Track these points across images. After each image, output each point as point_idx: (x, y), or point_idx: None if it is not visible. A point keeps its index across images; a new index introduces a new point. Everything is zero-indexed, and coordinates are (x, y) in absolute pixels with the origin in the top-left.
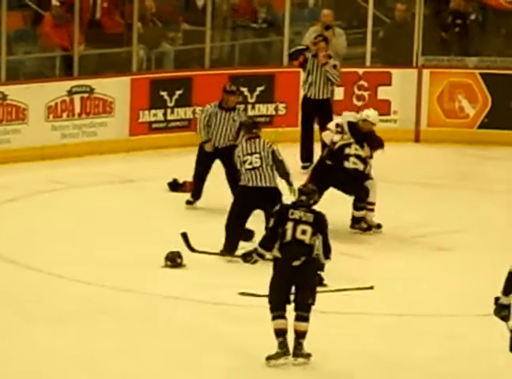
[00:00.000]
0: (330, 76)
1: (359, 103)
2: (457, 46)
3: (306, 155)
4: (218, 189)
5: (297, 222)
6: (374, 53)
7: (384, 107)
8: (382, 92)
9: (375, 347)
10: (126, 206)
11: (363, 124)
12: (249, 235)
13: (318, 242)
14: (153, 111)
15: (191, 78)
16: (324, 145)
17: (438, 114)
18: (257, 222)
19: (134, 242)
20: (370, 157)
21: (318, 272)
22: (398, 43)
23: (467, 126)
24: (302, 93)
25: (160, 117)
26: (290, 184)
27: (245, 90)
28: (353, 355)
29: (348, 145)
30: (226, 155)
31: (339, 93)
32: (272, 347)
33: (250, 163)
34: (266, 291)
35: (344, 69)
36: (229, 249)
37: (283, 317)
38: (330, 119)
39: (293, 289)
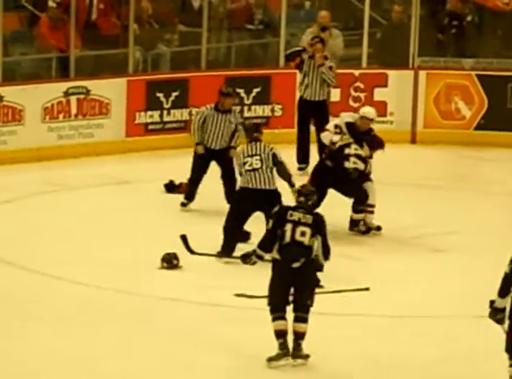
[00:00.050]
0: (326, 77)
1: (356, 105)
2: (453, 47)
3: (302, 156)
4: (213, 190)
5: (296, 223)
6: (370, 54)
7: (380, 109)
8: (379, 94)
9: (373, 348)
10: (122, 207)
11: (361, 122)
12: (245, 236)
13: (317, 244)
14: (149, 113)
15: (187, 80)
16: (321, 146)
17: (435, 116)
18: (257, 223)
19: (131, 243)
20: (370, 157)
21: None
22: (395, 45)
23: (463, 128)
24: (298, 94)
25: (157, 118)
26: (292, 185)
27: (241, 91)
28: (351, 357)
29: (348, 145)
30: (222, 157)
31: (335, 94)
32: (270, 348)
33: (250, 165)
34: (263, 293)
35: (340, 71)
36: (227, 251)
37: (283, 318)
38: (326, 121)
39: (291, 290)
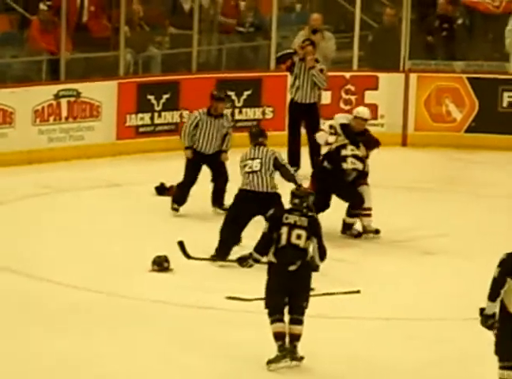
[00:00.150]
0: (317, 80)
1: (347, 107)
2: (444, 50)
3: (293, 159)
4: (204, 193)
5: (292, 226)
6: (361, 57)
7: (371, 111)
8: (369, 96)
9: (365, 350)
10: (113, 210)
11: (356, 122)
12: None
13: (313, 246)
14: (140, 115)
15: (178, 82)
16: (312, 149)
17: (425, 118)
18: (259, 228)
19: (121, 246)
20: (367, 157)
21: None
22: (386, 48)
23: (454, 130)
24: (289, 97)
25: (147, 121)
26: (299, 185)
27: (232, 94)
28: (343, 359)
29: (344, 146)
30: (213, 160)
31: (326, 97)
32: (263, 350)
33: (250, 167)
34: (255, 296)
35: (331, 73)
36: (221, 254)
37: (281, 320)
38: (317, 123)
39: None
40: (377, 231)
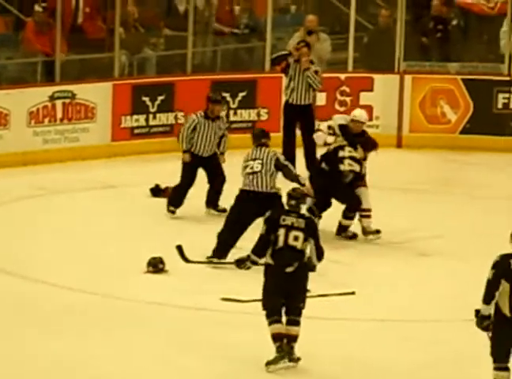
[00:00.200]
0: (311, 81)
1: (342, 109)
2: (438, 51)
3: (287, 160)
4: (199, 196)
5: (289, 228)
6: (356, 58)
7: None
8: (364, 98)
9: (360, 352)
10: (108, 212)
11: (353, 125)
12: None
13: (310, 247)
14: (135, 117)
15: (173, 84)
16: (307, 151)
17: (420, 120)
18: (257, 229)
19: (116, 247)
20: (365, 159)
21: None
22: (381, 49)
23: (449, 132)
24: (284, 99)
25: (142, 122)
26: (302, 185)
27: (227, 95)
28: (338, 360)
29: (342, 148)
30: (209, 163)
31: (321, 98)
32: (261, 352)
33: (251, 168)
34: (250, 297)
35: (326, 75)
36: (219, 254)
37: (279, 321)
38: (312, 125)
39: None
40: (377, 231)
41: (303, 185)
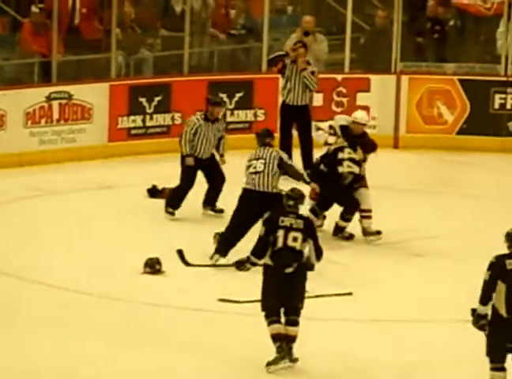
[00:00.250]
0: (308, 82)
1: (338, 110)
2: (435, 52)
3: None
4: (195, 196)
5: (288, 229)
6: (353, 59)
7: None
8: (361, 98)
9: (356, 352)
10: (104, 212)
11: (354, 126)
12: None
13: (309, 247)
14: (132, 117)
15: (170, 84)
16: (304, 151)
17: (417, 121)
18: (255, 230)
19: (113, 248)
20: (364, 160)
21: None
22: (378, 50)
23: (445, 132)
24: (280, 99)
25: (139, 123)
26: (307, 182)
27: (224, 96)
28: (334, 361)
29: (341, 149)
30: (208, 164)
31: (318, 99)
32: (257, 352)
33: (254, 167)
34: (246, 298)
35: (322, 76)
36: (221, 251)
37: (278, 321)
38: (309, 125)
39: None
40: (378, 233)
41: (309, 183)
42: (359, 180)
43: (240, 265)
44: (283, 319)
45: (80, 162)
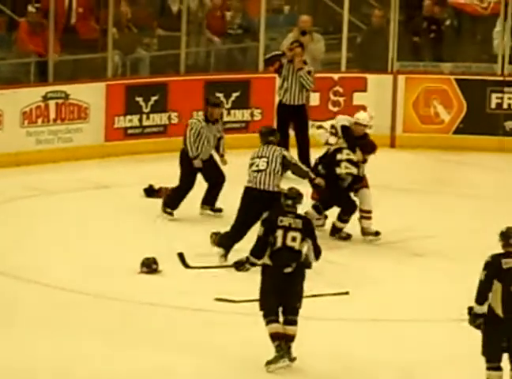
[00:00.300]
0: (304, 82)
1: (335, 109)
2: (432, 51)
3: None
4: (192, 196)
5: (287, 229)
6: (350, 58)
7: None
8: (358, 98)
9: (354, 352)
10: (101, 212)
11: (356, 127)
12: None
13: (307, 246)
14: (129, 117)
15: (166, 84)
16: (300, 151)
17: (414, 120)
18: (253, 230)
19: (110, 247)
20: (364, 161)
21: None
22: (375, 49)
23: (442, 132)
24: (277, 99)
25: (136, 123)
26: (313, 179)
27: (220, 96)
28: (331, 360)
29: (340, 150)
30: (208, 166)
31: (315, 99)
32: (255, 352)
33: (257, 166)
34: (243, 297)
35: (319, 75)
36: (225, 246)
37: (277, 321)
38: (306, 125)
39: None
40: (377, 233)
41: (314, 179)
42: (359, 181)
43: (239, 266)
44: (281, 318)
45: (77, 161)
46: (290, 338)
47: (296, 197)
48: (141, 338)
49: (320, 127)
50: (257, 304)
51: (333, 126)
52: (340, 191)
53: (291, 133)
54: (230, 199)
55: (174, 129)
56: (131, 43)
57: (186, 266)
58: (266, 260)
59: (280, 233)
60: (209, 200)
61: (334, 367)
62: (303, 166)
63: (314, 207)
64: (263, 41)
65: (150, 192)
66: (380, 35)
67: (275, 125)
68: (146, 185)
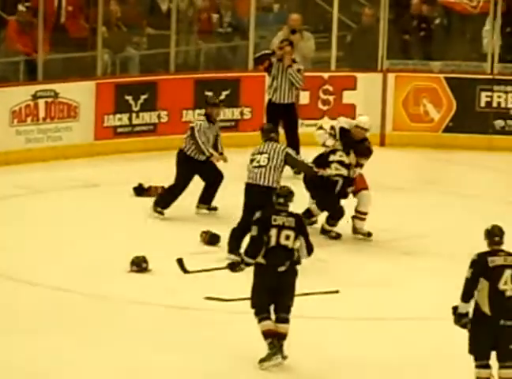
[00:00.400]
0: (294, 80)
1: (325, 108)
2: (421, 50)
3: None
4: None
5: (281, 228)
6: (340, 57)
7: (349, 111)
8: (347, 96)
9: (344, 350)
10: (91, 211)
11: (356, 131)
12: (215, 239)
13: (299, 244)
14: (118, 116)
15: (156, 82)
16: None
17: (403, 119)
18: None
19: (99, 246)
20: (357, 165)
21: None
22: (365, 48)
23: (432, 130)
24: (267, 98)
25: (125, 121)
26: (316, 173)
27: (210, 94)
28: (322, 359)
29: (334, 152)
30: (206, 165)
31: (304, 97)
32: (246, 350)
33: (258, 162)
34: (233, 296)
35: (309, 73)
36: (233, 248)
37: (269, 318)
38: (295, 124)
39: None
40: (369, 234)
41: (317, 172)
42: (351, 184)
43: (235, 267)
44: (273, 317)
45: (67, 160)
46: (282, 336)
47: (288, 195)
48: (131, 336)
49: (320, 128)
50: (247, 302)
51: (332, 128)
52: (330, 196)
53: (281, 131)
54: (220, 197)
55: (163, 128)
56: (121, 42)
57: (185, 271)
58: (260, 259)
59: (273, 232)
60: (206, 199)
61: (323, 366)
62: (307, 163)
63: (304, 213)
64: (253, 39)
65: (140, 191)
66: (370, 33)
67: None
68: (136, 183)
